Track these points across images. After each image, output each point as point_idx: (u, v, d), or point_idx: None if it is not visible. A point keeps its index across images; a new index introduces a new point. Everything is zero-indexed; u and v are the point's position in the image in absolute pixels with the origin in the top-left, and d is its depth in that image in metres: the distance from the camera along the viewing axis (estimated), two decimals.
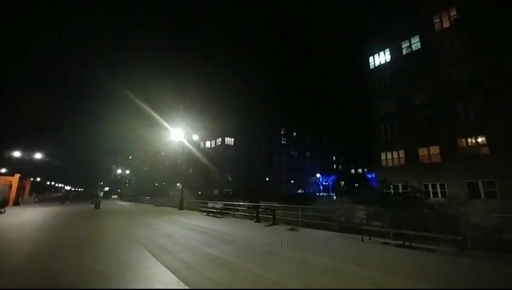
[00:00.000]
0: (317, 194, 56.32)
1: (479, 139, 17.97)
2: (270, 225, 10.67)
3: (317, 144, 69.71)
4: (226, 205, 14.94)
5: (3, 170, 41.85)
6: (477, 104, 18.11)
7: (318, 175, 57.00)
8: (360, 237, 7.73)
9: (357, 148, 75.51)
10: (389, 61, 25.17)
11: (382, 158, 24.28)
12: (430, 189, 20.68)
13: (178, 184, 62.18)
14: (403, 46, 24.00)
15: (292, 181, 58.96)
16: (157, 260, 5.13)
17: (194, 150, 37.57)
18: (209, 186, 50.65)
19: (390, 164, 23.67)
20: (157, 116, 26.77)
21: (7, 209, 19.89)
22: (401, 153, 22.98)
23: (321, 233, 8.82)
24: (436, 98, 20.78)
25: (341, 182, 68.83)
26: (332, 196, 57.23)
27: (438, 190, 20.26)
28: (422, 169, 21.28)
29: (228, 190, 49.69)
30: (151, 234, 8.19)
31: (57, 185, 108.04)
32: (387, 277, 4.14)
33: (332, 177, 61.17)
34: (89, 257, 5.40)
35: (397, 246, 6.57)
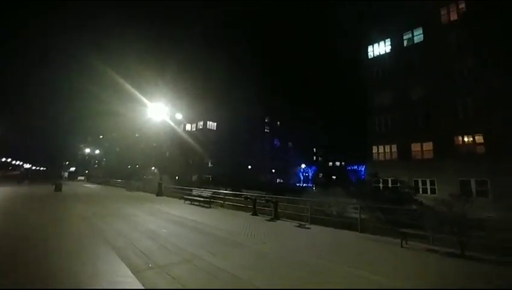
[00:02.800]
0: (297, 184, 56.29)
1: (476, 137, 17.76)
2: (272, 220, 9.12)
3: (299, 135, 69.33)
4: (214, 193, 13.11)
5: None
6: (478, 101, 17.76)
7: (303, 165, 56.53)
8: (389, 239, 6.46)
9: (338, 141, 76.63)
10: (388, 52, 24.21)
11: (374, 151, 23.72)
12: (420, 185, 20.49)
13: (153, 168, 58.79)
14: (405, 37, 23.06)
15: (273, 170, 58.22)
16: (141, 282, 3.30)
17: (177, 129, 34.72)
18: (188, 172, 48.15)
19: (381, 157, 23.19)
20: (133, 90, 23.60)
21: None
22: (394, 147, 22.52)
23: (337, 233, 7.43)
24: (435, 93, 20.24)
25: (319, 174, 69.62)
26: (312, 187, 57.69)
27: (428, 186, 20.12)
28: (413, 165, 20.97)
29: (208, 176, 47.62)
30: (127, 231, 6.21)
31: (14, 162, 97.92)
32: None
33: (313, 169, 61.42)
34: (23, 278, 3.41)
35: (448, 255, 5.33)
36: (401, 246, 5.87)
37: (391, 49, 24.08)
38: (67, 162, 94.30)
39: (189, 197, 13.74)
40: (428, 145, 20.55)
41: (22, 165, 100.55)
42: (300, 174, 59.49)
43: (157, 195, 17.92)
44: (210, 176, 47.19)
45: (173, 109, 20.96)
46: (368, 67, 25.59)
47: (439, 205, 8.70)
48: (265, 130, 62.16)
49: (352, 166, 56.56)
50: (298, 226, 8.13)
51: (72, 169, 79.43)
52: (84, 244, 4.96)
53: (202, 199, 12.41)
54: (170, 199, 16.72)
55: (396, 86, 22.85)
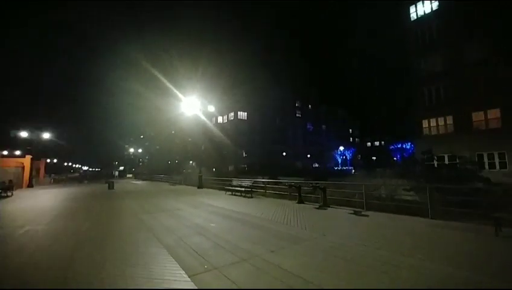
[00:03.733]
0: (335, 168, 54.08)
1: None
2: (321, 208, 8.43)
3: (332, 117, 65.94)
4: (255, 182, 12.76)
5: (18, 152, 41.39)
6: None
7: (342, 148, 53.80)
8: (469, 226, 5.35)
9: (376, 120, 71.38)
10: (436, 10, 20.97)
11: (424, 126, 21.21)
12: (486, 159, 17.79)
13: (190, 162, 61.38)
14: None
15: (308, 155, 56.61)
16: (199, 286, 2.94)
17: (208, 123, 35.22)
18: (223, 163, 49.15)
19: (434, 132, 20.64)
20: (169, 85, 24.13)
21: (18, 191, 18.70)
22: (449, 119, 19.82)
23: (403, 220, 6.46)
24: (500, 50, 17.03)
25: (358, 156, 65.91)
26: (351, 169, 55.01)
27: (496, 160, 17.38)
28: (475, 137, 18.23)
29: (243, 165, 48.12)
30: (176, 226, 6.07)
31: (74, 165, 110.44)
32: None
33: (351, 151, 58.27)
34: (80, 277, 3.28)
35: None
36: (496, 235, 4.76)
37: (439, 6, 20.77)
38: (116, 162, 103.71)
39: (230, 188, 13.64)
40: (494, 113, 17.63)
41: (81, 167, 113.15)
42: (338, 157, 56.90)
43: (198, 187, 18.32)
44: (245, 166, 47.65)
45: (205, 102, 20.96)
46: (410, 32, 22.57)
47: None
48: (297, 115, 60.28)
49: (396, 144, 52.20)
50: (353, 214, 7.32)
51: (121, 168, 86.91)
52: (136, 243, 4.86)
53: (243, 189, 12.16)
54: (211, 190, 16.92)
55: (448, 49, 19.80)
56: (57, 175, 48.65)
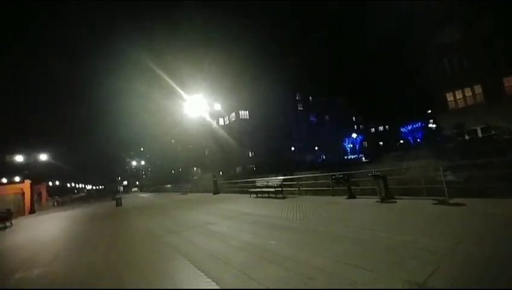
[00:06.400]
0: (345, 157, 52.51)
1: None
2: (385, 201, 6.79)
3: (334, 106, 64.26)
4: (285, 180, 11.12)
5: (17, 178, 39.75)
6: None
7: (354, 135, 51.90)
8: None
9: (378, 104, 69.77)
10: None
11: (449, 99, 19.56)
12: None
13: (195, 168, 59.74)
14: None
15: (316, 148, 54.95)
16: None
17: (213, 124, 33.54)
18: (230, 165, 47.51)
19: (461, 104, 19.00)
20: (172, 83, 22.42)
21: (19, 220, 17.07)
22: (477, 89, 18.18)
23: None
24: None
25: (364, 143, 64.30)
26: (361, 157, 53.41)
27: None
28: (510, 104, 16.60)
29: (251, 165, 46.53)
30: (221, 250, 4.43)
31: (78, 186, 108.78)
32: None
33: (359, 138, 56.58)
34: None
35: None
36: None
37: None
38: (119, 178, 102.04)
39: (255, 190, 12.02)
40: None
41: (84, 187, 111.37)
42: (346, 146, 55.25)
43: (214, 193, 16.68)
44: (253, 166, 46.04)
45: (211, 101, 19.32)
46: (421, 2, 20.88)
47: None
48: (299, 108, 58.61)
49: (405, 126, 50.49)
50: (439, 204, 5.68)
51: (125, 183, 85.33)
52: (173, 279, 3.22)
53: (273, 189, 10.52)
54: (230, 195, 15.30)
55: (469, 10, 18.10)
56: (61, 197, 47.02)
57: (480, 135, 17.71)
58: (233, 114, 49.43)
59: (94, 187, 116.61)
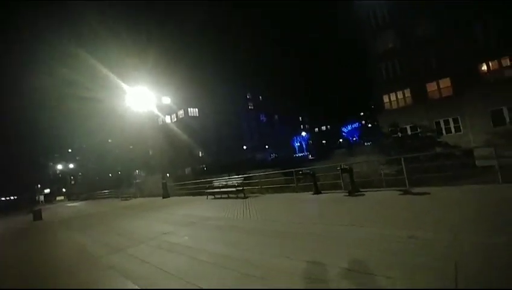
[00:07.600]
0: (295, 155, 55.03)
1: (503, 61, 16.28)
2: (352, 194, 6.73)
3: (283, 106, 66.89)
4: (245, 178, 10.41)
5: None
6: (499, 23, 16.00)
7: (304, 134, 54.32)
8: None
9: (323, 106, 75.38)
10: None
11: (385, 101, 21.97)
12: (443, 125, 19.18)
13: (137, 171, 54.21)
14: None
15: (267, 146, 56.08)
16: None
17: (161, 117, 30.49)
18: (178, 166, 44.52)
19: (395, 105, 21.52)
20: (108, 73, 19.25)
21: None
22: (407, 92, 20.84)
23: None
24: (448, 24, 18.27)
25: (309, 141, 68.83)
26: (307, 155, 56.77)
27: (451, 125, 18.83)
28: (431, 106, 19.51)
29: (201, 166, 44.47)
30: (188, 270, 3.43)
31: None
32: None
33: (306, 137, 60.06)
34: None
35: None
36: None
37: None
38: (39, 185, 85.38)
39: (213, 191, 11.00)
40: (445, 82, 19.06)
41: None
42: (295, 144, 57.97)
43: (163, 197, 14.89)
44: (204, 166, 44.09)
45: (157, 95, 17.26)
46: (363, 13, 22.92)
47: None
48: (249, 107, 58.90)
49: (345, 126, 55.73)
50: (405, 194, 5.82)
51: (47, 191, 71.95)
52: None
53: (235, 189, 9.70)
54: (183, 198, 13.87)
55: (401, 27, 20.63)
56: None
57: (409, 132, 20.33)
58: (181, 111, 46.42)
59: (3, 198, 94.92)
